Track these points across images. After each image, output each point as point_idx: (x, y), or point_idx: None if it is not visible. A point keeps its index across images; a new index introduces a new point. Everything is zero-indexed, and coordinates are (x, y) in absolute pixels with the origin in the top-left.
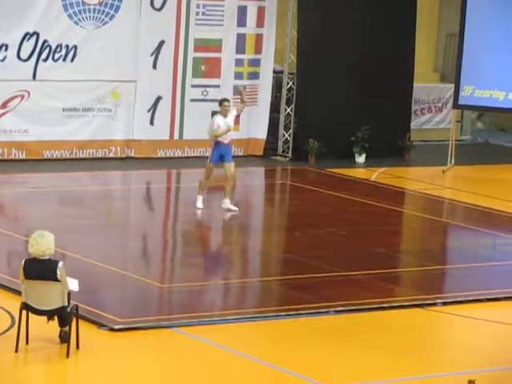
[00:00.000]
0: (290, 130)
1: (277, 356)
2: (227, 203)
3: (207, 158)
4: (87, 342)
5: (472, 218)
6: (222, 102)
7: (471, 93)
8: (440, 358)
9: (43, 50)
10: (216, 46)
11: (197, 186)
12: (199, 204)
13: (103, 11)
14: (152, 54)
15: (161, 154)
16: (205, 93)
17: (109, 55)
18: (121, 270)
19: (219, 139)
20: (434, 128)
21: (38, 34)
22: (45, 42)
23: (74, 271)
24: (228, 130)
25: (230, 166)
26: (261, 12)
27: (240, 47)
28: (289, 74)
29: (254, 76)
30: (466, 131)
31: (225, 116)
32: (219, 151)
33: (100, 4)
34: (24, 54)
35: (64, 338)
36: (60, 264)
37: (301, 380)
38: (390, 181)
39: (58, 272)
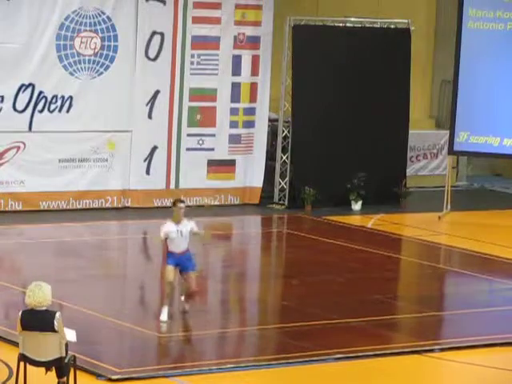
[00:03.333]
0: (286, 178)
1: None
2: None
3: (203, 206)
4: None
5: (468, 264)
6: (174, 202)
7: (466, 139)
8: None
9: (39, 101)
10: (211, 95)
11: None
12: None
13: (98, 62)
14: (147, 104)
15: (157, 203)
16: (201, 142)
17: (104, 105)
18: (118, 320)
19: (171, 249)
20: (430, 174)
21: (33, 86)
22: (40, 93)
23: (71, 322)
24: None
25: (188, 277)
26: (255, 61)
27: (235, 96)
28: (284, 122)
29: (250, 125)
30: (461, 177)
31: (177, 221)
32: (174, 261)
33: (95, 55)
34: (20, 105)
35: None
36: (57, 315)
37: None
38: (387, 227)
39: (56, 323)
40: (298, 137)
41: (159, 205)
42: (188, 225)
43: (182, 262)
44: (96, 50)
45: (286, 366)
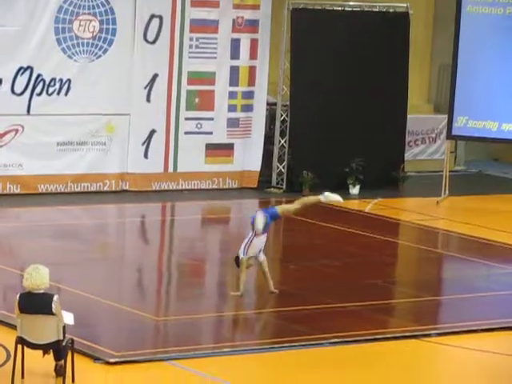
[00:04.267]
0: (284, 162)
1: None
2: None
3: (201, 190)
4: (82, 376)
5: (466, 249)
6: None
7: (465, 123)
8: None
9: (37, 85)
10: (209, 78)
11: (191, 218)
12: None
13: (96, 45)
14: (145, 87)
15: (155, 186)
16: (199, 125)
17: (102, 89)
18: (116, 303)
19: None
20: (428, 159)
21: (31, 69)
22: (39, 76)
23: (69, 305)
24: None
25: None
26: (254, 44)
27: (233, 80)
28: (282, 105)
29: (248, 108)
30: (459, 162)
31: None
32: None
33: (93, 38)
34: (18, 88)
35: (59, 372)
36: (55, 297)
37: None
38: (385, 212)
39: (53, 305)
40: (297, 121)
41: (157, 188)
42: None
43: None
44: (94, 33)
45: (282, 350)
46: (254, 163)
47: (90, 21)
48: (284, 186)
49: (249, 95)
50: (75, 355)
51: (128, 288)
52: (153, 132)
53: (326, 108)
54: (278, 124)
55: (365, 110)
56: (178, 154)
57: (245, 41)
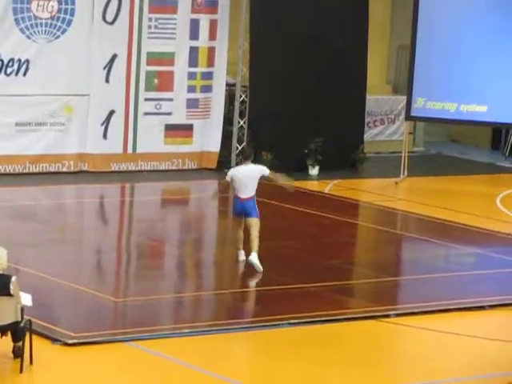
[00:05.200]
0: (244, 143)
1: (231, 369)
2: (253, 256)
3: (161, 171)
4: (41, 357)
5: (425, 230)
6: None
7: (423, 105)
8: (393, 369)
9: None
10: (169, 59)
11: (150, 199)
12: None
13: (55, 25)
14: (105, 68)
15: (114, 167)
16: (158, 106)
17: (61, 69)
18: (74, 284)
19: (236, 193)
20: (387, 140)
21: None
22: None
23: (27, 286)
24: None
25: (251, 221)
26: (213, 25)
27: (193, 60)
28: (241, 86)
29: (207, 89)
30: (418, 143)
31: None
32: (238, 206)
33: (52, 18)
34: None
35: (17, 353)
36: (13, 279)
37: None
38: (344, 193)
39: (11, 287)
40: (256, 102)
41: (116, 169)
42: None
43: (245, 209)
44: (53, 14)
45: (241, 331)
46: (214, 144)
47: (49, 1)
48: None
49: (208, 76)
50: (33, 336)
51: (87, 269)
52: (112, 112)
53: (285, 89)
54: (237, 105)
55: (324, 91)
56: (138, 135)
57: (204, 21)
